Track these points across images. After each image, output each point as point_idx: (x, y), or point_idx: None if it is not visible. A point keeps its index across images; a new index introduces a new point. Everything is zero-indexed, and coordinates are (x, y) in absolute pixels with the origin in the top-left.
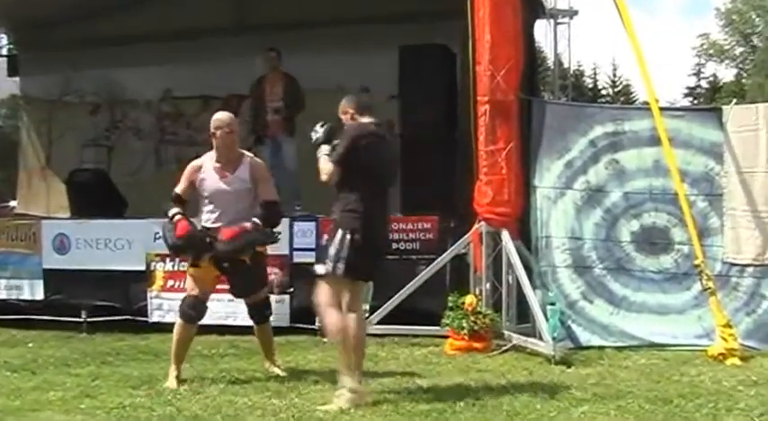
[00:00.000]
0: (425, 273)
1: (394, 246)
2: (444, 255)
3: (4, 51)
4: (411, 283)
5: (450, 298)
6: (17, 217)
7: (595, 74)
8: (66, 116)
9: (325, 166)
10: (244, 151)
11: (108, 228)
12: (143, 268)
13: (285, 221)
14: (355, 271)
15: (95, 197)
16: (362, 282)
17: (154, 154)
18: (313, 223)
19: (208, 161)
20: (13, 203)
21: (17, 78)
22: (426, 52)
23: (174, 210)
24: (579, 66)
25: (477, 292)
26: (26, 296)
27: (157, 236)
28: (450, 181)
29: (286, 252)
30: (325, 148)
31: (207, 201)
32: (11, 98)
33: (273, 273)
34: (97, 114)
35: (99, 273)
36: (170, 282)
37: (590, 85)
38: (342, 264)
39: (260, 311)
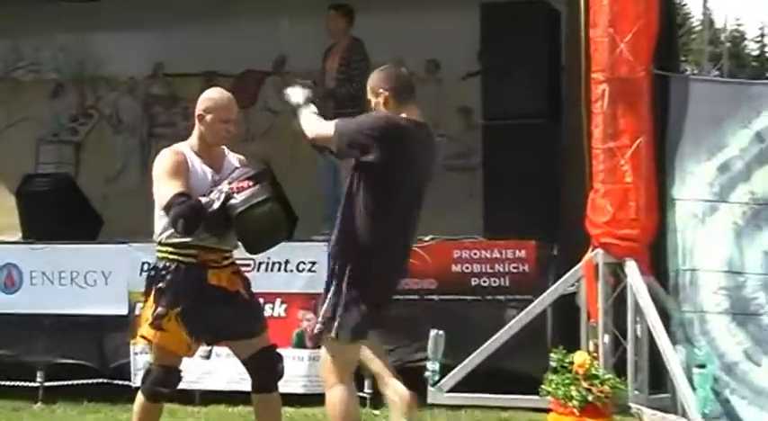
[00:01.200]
0: (518, 321)
1: (474, 282)
2: (544, 296)
3: None
4: (498, 335)
5: (553, 355)
6: None
7: (763, 36)
8: (14, 100)
9: (317, 124)
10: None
11: (75, 255)
12: (124, 312)
13: (322, 247)
14: (353, 329)
15: (57, 212)
16: (364, 341)
17: (139, 152)
18: None
19: (188, 153)
20: None
21: None
22: (518, 12)
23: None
24: (739, 25)
25: (592, 348)
26: None
27: (146, 265)
28: (551, 191)
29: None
30: (295, 92)
31: None
32: None
33: (306, 319)
34: (60, 97)
35: (62, 318)
36: None
37: (755, 53)
38: (336, 322)
39: (271, 366)
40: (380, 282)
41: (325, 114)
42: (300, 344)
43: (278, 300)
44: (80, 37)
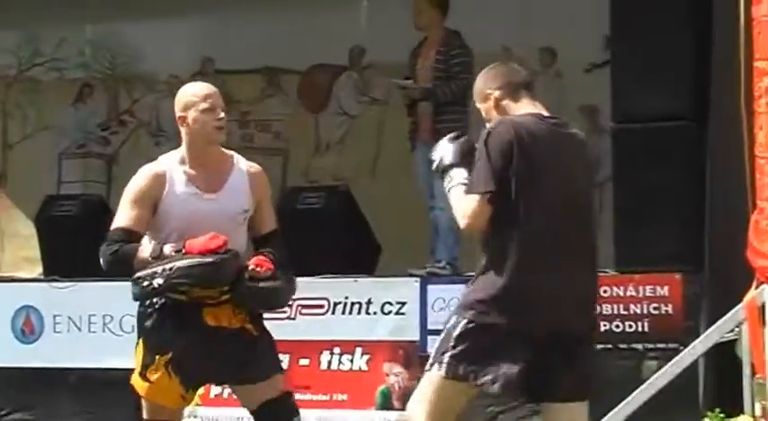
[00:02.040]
0: (661, 376)
1: (604, 327)
2: (695, 344)
3: None
4: (636, 393)
5: (708, 419)
6: None
7: None
8: (31, 104)
9: (464, 203)
10: (230, 152)
11: (107, 296)
12: None
13: (413, 283)
14: (465, 368)
15: (85, 243)
16: (476, 390)
17: None
18: (461, 286)
19: (174, 167)
20: None
21: None
22: None
23: (144, 245)
24: None
25: (759, 413)
26: None
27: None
28: (699, 213)
29: (415, 337)
30: (458, 174)
31: (172, 236)
32: None
33: (393, 374)
34: (87, 100)
35: (91, 374)
36: (214, 389)
37: None
38: (447, 356)
39: (286, 414)
40: None
41: (421, 118)
42: (386, 404)
43: (358, 350)
44: (111, 27)
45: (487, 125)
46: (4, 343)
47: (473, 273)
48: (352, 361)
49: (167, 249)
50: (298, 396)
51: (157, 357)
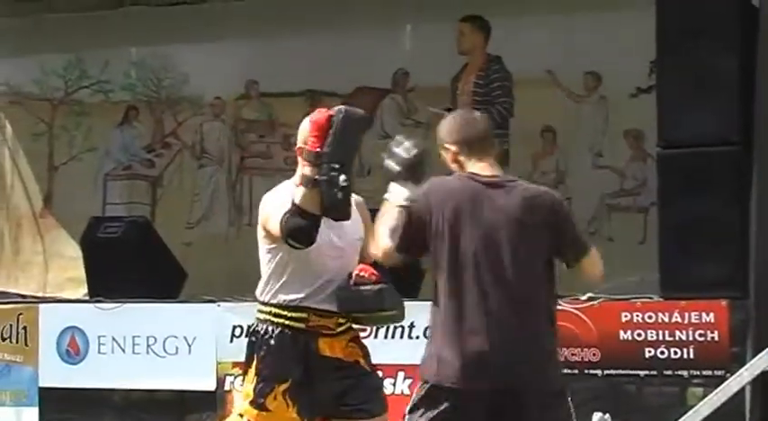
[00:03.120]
0: (707, 404)
1: (648, 353)
2: (741, 372)
3: None
4: (681, 420)
5: None
6: None
7: None
8: (77, 126)
9: (382, 237)
10: None
11: (152, 317)
12: (212, 387)
13: None
14: None
15: (130, 264)
16: None
17: (228, 189)
18: None
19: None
20: None
21: None
22: (705, 10)
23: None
24: None
25: None
26: None
27: (237, 330)
28: (745, 238)
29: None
30: (398, 193)
31: (297, 267)
32: None
33: None
34: (132, 123)
35: (135, 394)
36: None
37: None
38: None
39: None
40: None
41: None
42: None
43: (400, 374)
44: (156, 50)
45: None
46: (49, 363)
47: None
48: (394, 385)
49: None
50: None
51: (276, 385)
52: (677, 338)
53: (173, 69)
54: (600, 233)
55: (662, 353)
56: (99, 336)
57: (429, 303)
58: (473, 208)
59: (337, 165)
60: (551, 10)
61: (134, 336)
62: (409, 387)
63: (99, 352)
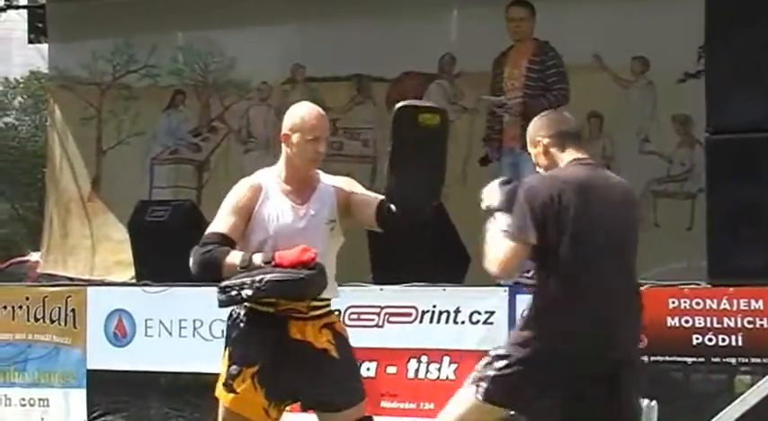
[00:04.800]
0: (755, 392)
1: (696, 340)
2: None
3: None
4: (729, 408)
5: None
6: (42, 280)
7: None
8: (125, 111)
9: (499, 249)
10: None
11: (199, 300)
12: None
13: (501, 293)
14: (505, 394)
15: (177, 248)
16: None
17: None
18: None
19: (271, 181)
20: (34, 257)
21: (44, 46)
22: None
23: (236, 251)
24: None
25: None
26: (57, 417)
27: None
28: None
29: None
30: (502, 219)
31: (264, 247)
32: (32, 79)
33: None
34: (179, 107)
35: (182, 377)
36: None
37: None
38: (486, 382)
39: None
40: None
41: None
42: None
43: (446, 359)
44: (203, 34)
45: (537, 169)
46: (96, 346)
47: None
48: (439, 370)
49: (257, 259)
50: (385, 403)
51: (244, 368)
52: (725, 325)
53: (219, 54)
54: (647, 219)
55: (710, 340)
56: (146, 320)
57: (475, 288)
58: (591, 193)
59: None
60: None
61: (180, 320)
62: (454, 372)
63: (146, 335)
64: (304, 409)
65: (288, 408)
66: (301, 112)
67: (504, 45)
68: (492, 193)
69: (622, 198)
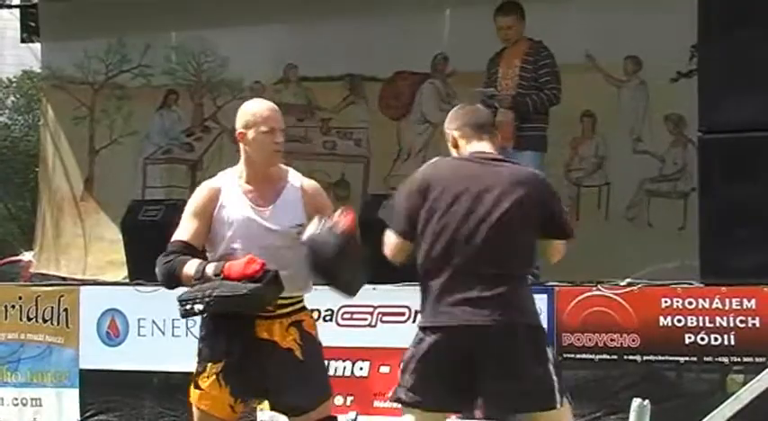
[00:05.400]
0: (748, 390)
1: (688, 339)
2: None
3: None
4: (721, 408)
5: None
6: (35, 280)
7: None
8: (118, 110)
9: (387, 236)
10: (287, 167)
11: None
12: None
13: None
14: (414, 397)
15: None
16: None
17: None
18: (543, 296)
19: (230, 183)
20: (27, 256)
21: (37, 45)
22: None
23: (193, 260)
24: None
25: None
26: (50, 416)
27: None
28: None
29: None
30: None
31: (225, 250)
32: (25, 78)
33: None
34: (172, 107)
35: (174, 377)
36: None
37: None
38: (400, 388)
39: None
40: None
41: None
42: None
43: None
44: (197, 34)
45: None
46: (89, 345)
47: (553, 283)
48: None
49: (210, 270)
50: (378, 403)
51: (209, 365)
52: (718, 324)
53: (212, 53)
54: (639, 218)
55: (702, 339)
56: (139, 319)
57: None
58: (467, 183)
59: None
60: None
61: (173, 319)
62: None
63: (139, 334)
64: (272, 410)
65: (259, 406)
66: (252, 108)
67: (497, 45)
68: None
69: (507, 188)
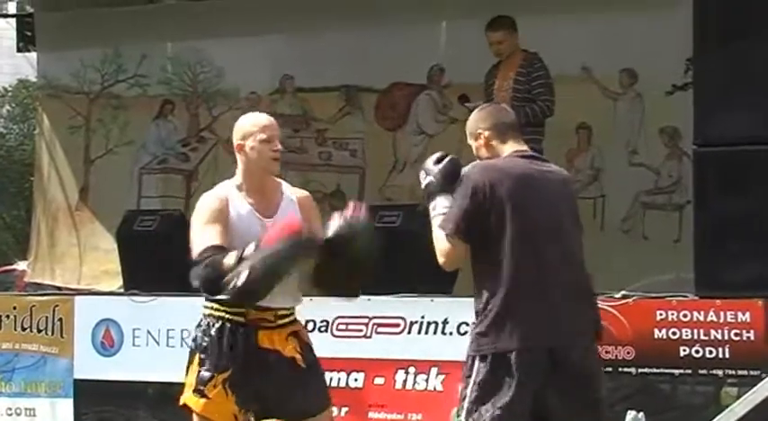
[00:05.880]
0: (742, 403)
1: (683, 352)
2: None
3: (12, 8)
4: (715, 420)
5: None
6: (30, 290)
7: None
8: (113, 120)
9: (442, 241)
10: (279, 179)
11: (187, 310)
12: None
13: None
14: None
15: (165, 258)
16: None
17: None
18: None
19: (233, 194)
20: (21, 266)
21: (33, 54)
22: (743, 6)
23: (231, 253)
24: None
25: None
26: None
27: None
28: None
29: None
30: (442, 203)
31: None
32: (21, 88)
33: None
34: (168, 117)
35: (170, 387)
36: None
37: None
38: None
39: None
40: None
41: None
42: None
43: (433, 370)
44: (193, 44)
45: (478, 161)
46: (84, 355)
47: None
48: (427, 381)
49: (248, 250)
50: (372, 414)
51: (216, 374)
52: (712, 337)
53: (208, 64)
54: (634, 231)
55: (697, 351)
56: (134, 329)
57: (464, 299)
58: (529, 183)
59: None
60: (587, 7)
61: (168, 330)
62: (442, 383)
63: (133, 344)
64: (277, 418)
65: None
66: (249, 120)
67: (493, 57)
68: (430, 173)
69: (560, 187)
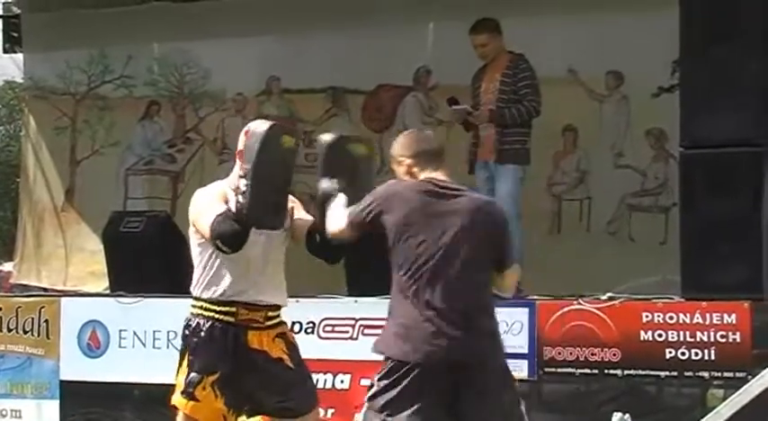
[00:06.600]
0: (728, 405)
1: (669, 354)
2: (764, 373)
3: None
4: None
5: None
6: (16, 291)
7: None
8: (100, 121)
9: (341, 219)
10: None
11: (173, 312)
12: None
13: None
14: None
15: (151, 259)
16: None
17: None
18: (525, 310)
19: (230, 194)
20: (7, 267)
21: (19, 55)
22: (729, 8)
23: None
24: None
25: None
26: None
27: None
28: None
29: None
30: (324, 185)
31: (225, 262)
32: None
33: None
34: (155, 118)
35: (155, 389)
36: None
37: None
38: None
39: None
40: None
41: (484, 138)
42: None
43: None
44: (179, 46)
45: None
46: (70, 357)
47: (535, 296)
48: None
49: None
50: (359, 416)
51: (205, 376)
52: (698, 339)
53: (195, 65)
54: (621, 233)
55: (683, 353)
56: (120, 330)
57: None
58: (429, 211)
59: (247, 180)
60: (574, 9)
61: (155, 331)
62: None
63: (120, 346)
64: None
65: None
66: (252, 127)
67: (479, 59)
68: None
69: (469, 215)
